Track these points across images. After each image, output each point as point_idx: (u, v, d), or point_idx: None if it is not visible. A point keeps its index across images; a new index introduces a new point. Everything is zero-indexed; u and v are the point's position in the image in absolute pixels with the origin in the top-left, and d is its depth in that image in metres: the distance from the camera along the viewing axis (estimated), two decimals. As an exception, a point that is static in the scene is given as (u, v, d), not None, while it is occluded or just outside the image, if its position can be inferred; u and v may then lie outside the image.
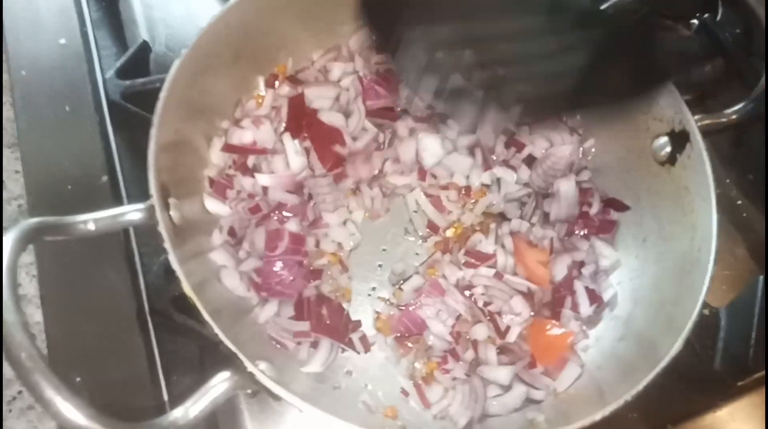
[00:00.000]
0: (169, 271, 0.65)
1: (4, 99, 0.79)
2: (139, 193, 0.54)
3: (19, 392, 0.72)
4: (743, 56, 0.87)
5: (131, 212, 0.52)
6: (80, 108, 0.77)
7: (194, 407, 0.47)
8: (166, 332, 0.67)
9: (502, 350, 0.68)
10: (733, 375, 0.71)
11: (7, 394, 0.66)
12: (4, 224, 0.75)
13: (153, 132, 0.54)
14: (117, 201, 0.73)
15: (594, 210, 0.74)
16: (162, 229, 0.51)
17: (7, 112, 0.78)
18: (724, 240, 0.78)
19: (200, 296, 0.51)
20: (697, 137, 0.64)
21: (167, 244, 0.50)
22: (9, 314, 0.41)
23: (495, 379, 0.66)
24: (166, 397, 0.64)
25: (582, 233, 0.75)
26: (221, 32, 0.62)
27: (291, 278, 0.66)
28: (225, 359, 0.50)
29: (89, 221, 0.50)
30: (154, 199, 0.51)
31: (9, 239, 0.45)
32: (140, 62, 0.81)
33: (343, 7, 0.73)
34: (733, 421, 0.70)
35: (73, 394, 0.41)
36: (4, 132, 0.77)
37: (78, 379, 0.62)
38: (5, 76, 0.79)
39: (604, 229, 0.74)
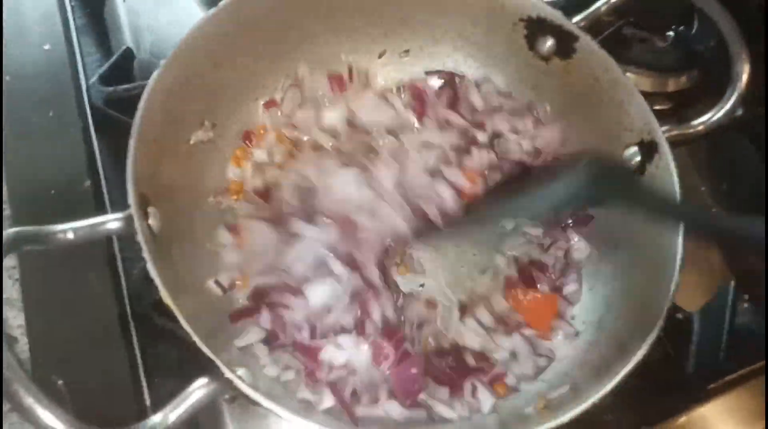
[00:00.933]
0: (150, 276, 0.66)
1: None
2: (122, 199, 0.54)
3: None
4: (717, 68, 0.89)
5: (111, 222, 0.53)
6: (64, 113, 0.78)
7: (173, 413, 0.48)
8: (148, 336, 0.68)
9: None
10: (705, 378, 0.73)
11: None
12: (-12, 230, 0.76)
13: (131, 143, 0.54)
14: (99, 206, 0.74)
15: None
16: (140, 239, 0.52)
17: (-10, 117, 0.78)
18: (699, 247, 0.81)
19: (179, 303, 0.52)
20: (664, 148, 0.65)
21: (146, 254, 0.51)
22: (-12, 324, 0.42)
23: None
24: (147, 399, 0.65)
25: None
26: (199, 42, 0.63)
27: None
28: (206, 363, 0.51)
29: (68, 231, 0.51)
30: (133, 210, 0.52)
31: (-13, 250, 0.46)
32: (124, 69, 0.82)
33: (326, 18, 0.75)
34: (705, 422, 0.71)
35: (52, 402, 0.42)
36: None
37: (60, 381, 0.63)
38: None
39: (581, 223, 0.76)
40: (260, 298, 0.67)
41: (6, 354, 0.41)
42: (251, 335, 0.65)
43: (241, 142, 0.76)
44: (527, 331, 0.71)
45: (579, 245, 0.75)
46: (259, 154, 0.76)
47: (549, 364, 0.69)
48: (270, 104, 0.78)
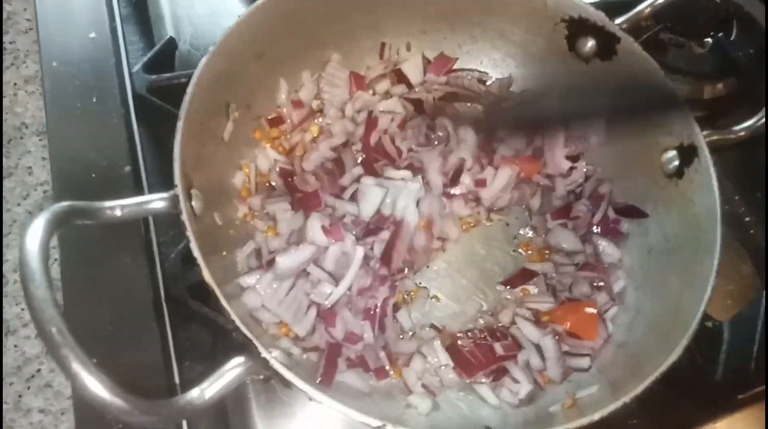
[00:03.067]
0: (185, 260, 0.67)
1: (35, 88, 0.82)
2: (160, 184, 0.56)
3: (38, 370, 0.75)
4: (755, 75, 0.88)
5: (156, 201, 0.54)
6: (107, 100, 0.80)
7: (209, 389, 0.49)
8: (181, 319, 0.69)
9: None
10: (733, 388, 0.72)
11: (26, 372, 0.69)
12: (30, 209, 0.78)
13: (179, 125, 0.56)
14: (138, 191, 0.75)
15: (598, 217, 0.76)
16: (185, 217, 0.53)
17: (38, 101, 0.81)
18: (730, 256, 0.80)
19: (219, 284, 0.53)
20: (705, 152, 0.65)
21: (189, 233, 0.52)
22: (41, 291, 0.44)
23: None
24: (177, 381, 0.66)
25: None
26: (244, 32, 0.65)
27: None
28: (237, 346, 0.52)
29: (116, 207, 0.52)
30: (179, 189, 0.54)
31: (42, 220, 0.47)
32: (166, 58, 0.84)
33: (368, 13, 0.76)
34: (732, 433, 0.71)
35: (99, 369, 0.43)
36: (33, 120, 0.80)
37: (94, 360, 0.64)
38: (36, 67, 0.82)
39: (607, 232, 0.76)
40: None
41: (57, 319, 0.42)
42: None
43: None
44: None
45: (608, 250, 0.75)
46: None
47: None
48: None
